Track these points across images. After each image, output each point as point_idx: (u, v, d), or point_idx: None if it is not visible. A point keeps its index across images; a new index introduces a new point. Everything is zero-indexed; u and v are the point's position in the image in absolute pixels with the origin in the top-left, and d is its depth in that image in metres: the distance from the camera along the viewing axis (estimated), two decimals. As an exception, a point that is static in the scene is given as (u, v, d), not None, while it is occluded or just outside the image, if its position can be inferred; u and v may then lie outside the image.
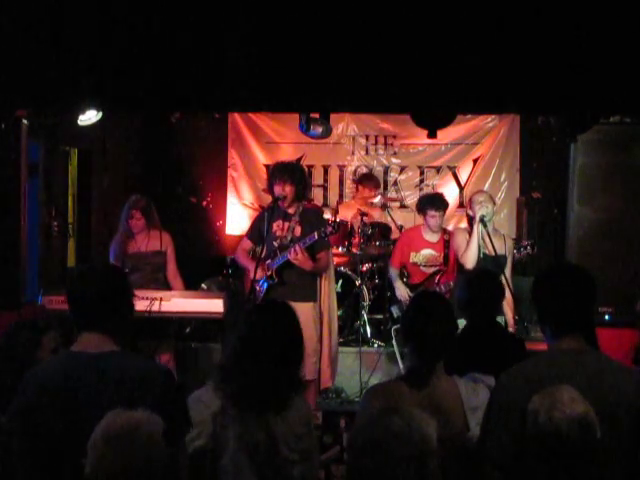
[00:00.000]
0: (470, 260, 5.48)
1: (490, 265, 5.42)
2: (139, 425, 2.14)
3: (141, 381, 2.41)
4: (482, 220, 5.45)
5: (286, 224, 5.57)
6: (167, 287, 5.80)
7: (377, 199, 7.61)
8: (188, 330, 6.79)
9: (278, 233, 5.57)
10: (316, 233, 5.30)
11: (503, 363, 2.81)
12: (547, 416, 2.20)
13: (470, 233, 5.60)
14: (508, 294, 5.53)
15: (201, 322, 6.63)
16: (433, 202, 6.26)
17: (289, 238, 5.53)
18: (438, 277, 6.26)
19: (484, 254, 5.49)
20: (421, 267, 6.32)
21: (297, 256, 5.34)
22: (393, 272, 6.48)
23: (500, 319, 5.36)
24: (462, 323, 3.74)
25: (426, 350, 2.90)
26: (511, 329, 5.63)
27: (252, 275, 5.43)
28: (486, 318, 3.90)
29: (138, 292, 5.37)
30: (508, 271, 5.60)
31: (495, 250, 5.43)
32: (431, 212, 6.19)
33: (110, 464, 2.09)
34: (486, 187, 8.48)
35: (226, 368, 2.81)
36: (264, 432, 2.71)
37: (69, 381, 2.40)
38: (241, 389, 2.73)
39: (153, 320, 5.32)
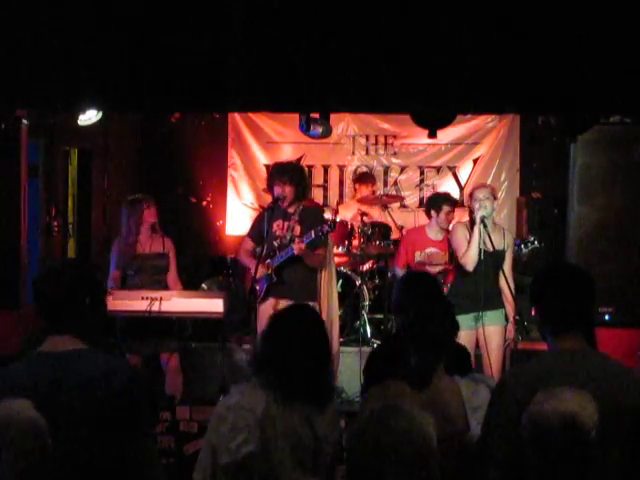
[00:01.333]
0: (470, 262, 5.43)
1: (489, 261, 5.40)
2: (9, 415, 2.15)
3: (103, 378, 2.42)
4: (482, 221, 5.41)
5: (286, 223, 5.58)
6: (167, 289, 5.79)
7: (377, 194, 7.62)
8: (190, 331, 6.79)
9: (278, 232, 5.58)
10: (313, 232, 5.31)
11: None
12: (539, 406, 2.19)
13: (470, 228, 5.54)
14: (507, 291, 5.52)
15: (201, 322, 6.63)
16: (448, 198, 6.35)
17: (288, 237, 5.54)
18: (446, 275, 6.19)
19: (483, 251, 5.43)
20: (426, 266, 6.27)
21: (302, 251, 5.38)
22: (399, 272, 6.43)
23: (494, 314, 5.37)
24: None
25: (427, 350, 2.90)
26: (511, 327, 5.62)
27: (253, 274, 5.44)
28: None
29: (138, 292, 5.41)
30: (507, 266, 5.56)
31: (493, 246, 5.40)
32: (447, 208, 6.20)
33: None
34: (486, 187, 8.49)
35: (267, 361, 2.84)
36: (308, 427, 2.74)
37: (35, 380, 2.42)
38: (288, 380, 2.76)
39: (155, 319, 5.33)
